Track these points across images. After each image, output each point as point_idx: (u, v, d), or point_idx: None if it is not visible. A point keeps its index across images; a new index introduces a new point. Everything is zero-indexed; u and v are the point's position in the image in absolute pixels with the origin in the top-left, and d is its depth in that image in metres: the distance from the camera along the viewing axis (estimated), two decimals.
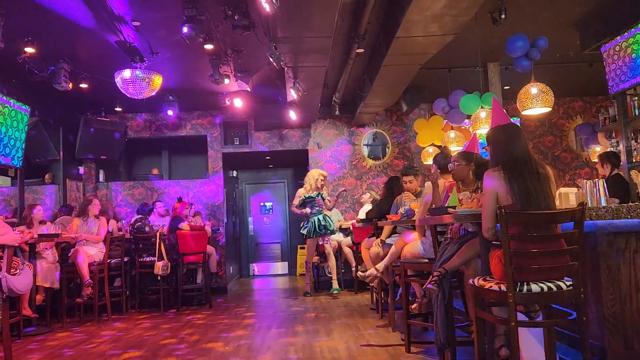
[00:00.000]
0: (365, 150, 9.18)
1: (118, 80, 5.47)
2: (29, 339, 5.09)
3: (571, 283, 2.45)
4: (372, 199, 8.07)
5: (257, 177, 11.92)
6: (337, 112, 8.23)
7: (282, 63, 5.27)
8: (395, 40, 5.07)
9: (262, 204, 11.85)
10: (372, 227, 6.05)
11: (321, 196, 7.51)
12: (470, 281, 2.72)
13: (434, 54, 5.57)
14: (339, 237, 8.25)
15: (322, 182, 7.52)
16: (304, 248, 10.59)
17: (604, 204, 3.29)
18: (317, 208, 7.47)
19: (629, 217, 2.72)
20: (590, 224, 2.88)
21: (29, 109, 6.50)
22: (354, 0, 4.98)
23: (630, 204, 2.87)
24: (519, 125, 2.82)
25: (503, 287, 2.43)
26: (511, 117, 8.25)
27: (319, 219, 7.38)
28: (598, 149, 7.38)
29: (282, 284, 9.56)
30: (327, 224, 7.42)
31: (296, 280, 10.09)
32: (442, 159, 4.39)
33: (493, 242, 2.61)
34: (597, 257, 2.95)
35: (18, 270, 3.23)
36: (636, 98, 5.72)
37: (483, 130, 6.27)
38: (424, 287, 3.38)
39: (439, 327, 3.25)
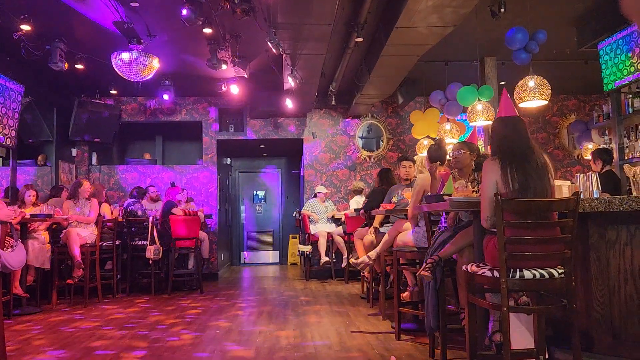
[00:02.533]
0: (359, 142, 9.19)
1: (115, 61, 5.42)
2: (19, 319, 5.08)
3: (563, 271, 2.49)
4: (358, 189, 8.16)
5: (250, 165, 11.91)
6: (333, 102, 8.23)
7: (281, 49, 5.25)
8: (395, 30, 5.07)
9: (255, 192, 11.85)
10: (364, 218, 6.09)
11: None
12: (464, 267, 2.75)
13: (432, 45, 5.58)
14: (331, 227, 8.29)
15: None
16: (295, 237, 10.67)
17: (596, 196, 3.34)
18: None
19: (621, 209, 2.76)
20: (583, 215, 2.92)
21: (23, 88, 6.44)
22: None
23: (623, 196, 2.91)
24: (521, 117, 2.84)
25: (496, 273, 2.47)
26: None
27: None
28: (590, 146, 7.45)
29: (273, 273, 9.59)
30: None
31: (287, 269, 10.13)
32: (435, 150, 4.42)
33: (490, 230, 2.64)
34: (588, 247, 3.00)
35: (12, 248, 3.22)
36: (630, 96, 5.77)
37: (479, 123, 6.31)
38: (417, 273, 3.41)
39: (430, 313, 3.30)
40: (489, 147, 2.90)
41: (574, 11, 5.86)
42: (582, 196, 3.25)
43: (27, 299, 5.47)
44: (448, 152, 4.10)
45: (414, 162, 5.29)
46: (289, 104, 7.60)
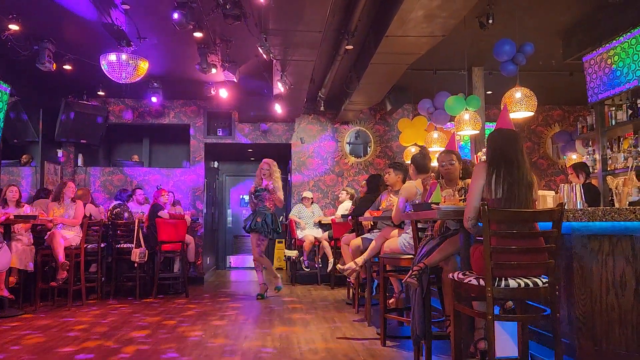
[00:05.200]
0: (347, 148, 9.23)
1: (103, 63, 5.40)
2: (2, 321, 5.00)
3: (547, 280, 2.54)
4: (349, 196, 8.15)
5: (238, 169, 11.88)
6: (322, 108, 8.27)
7: (271, 55, 5.28)
8: (385, 39, 5.13)
9: (241, 196, 11.81)
10: (351, 224, 6.11)
11: (269, 192, 6.60)
12: (450, 275, 2.79)
13: (421, 54, 5.64)
14: (318, 232, 8.30)
15: (266, 170, 6.61)
16: (281, 242, 10.65)
17: (580, 207, 3.41)
18: (264, 204, 6.62)
19: (603, 220, 2.82)
20: (567, 225, 2.98)
21: (9, 89, 6.37)
22: None
23: (606, 207, 2.98)
24: (517, 133, 2.94)
25: (482, 282, 2.51)
26: (492, 122, 8.43)
27: (256, 216, 6.56)
28: (574, 156, 7.58)
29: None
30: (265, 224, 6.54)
31: None
32: (421, 158, 4.48)
33: (476, 238, 2.69)
34: (571, 257, 3.05)
35: None
36: (614, 108, 5.89)
37: (466, 132, 6.39)
38: (403, 280, 3.44)
39: (415, 320, 3.32)
40: (475, 156, 2.98)
41: (560, 23, 5.97)
42: (565, 207, 3.31)
43: (10, 301, 5.39)
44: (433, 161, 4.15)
45: (395, 169, 5.20)
46: (278, 109, 7.62)
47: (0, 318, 5.14)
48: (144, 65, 5.50)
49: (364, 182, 7.64)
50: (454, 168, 3.61)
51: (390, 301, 4.59)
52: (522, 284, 2.48)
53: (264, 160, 6.70)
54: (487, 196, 2.67)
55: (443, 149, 7.21)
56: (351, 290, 6.23)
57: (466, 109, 6.42)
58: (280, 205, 6.87)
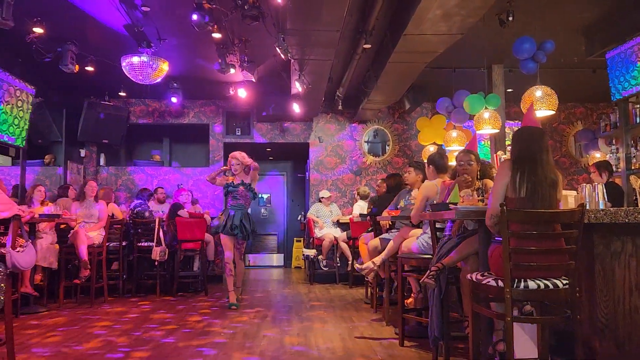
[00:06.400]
0: (365, 147, 9.22)
1: (124, 64, 5.49)
2: (26, 318, 5.13)
3: (567, 282, 2.51)
4: (364, 194, 8.15)
5: None
6: (339, 107, 8.26)
7: (289, 55, 5.30)
8: (403, 37, 5.11)
9: (260, 195, 11.89)
10: (369, 223, 6.10)
11: (247, 187, 5.86)
12: (468, 276, 2.77)
13: (440, 53, 5.61)
14: (336, 231, 8.31)
15: (236, 165, 5.82)
16: (300, 241, 10.69)
17: (602, 207, 3.35)
18: (239, 202, 5.84)
19: (626, 220, 2.77)
20: (588, 225, 2.93)
21: (34, 90, 6.52)
22: None
23: (629, 207, 2.92)
24: (544, 131, 2.91)
25: (500, 283, 2.49)
26: (513, 120, 8.33)
27: (234, 216, 5.74)
28: (598, 155, 7.44)
29: (277, 276, 9.61)
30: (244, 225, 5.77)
31: (291, 273, 10.15)
32: (439, 158, 4.45)
33: (495, 238, 2.67)
34: (593, 258, 3.00)
35: (22, 248, 3.27)
36: (638, 106, 5.77)
37: (485, 131, 6.32)
38: (421, 280, 3.43)
39: (434, 320, 3.31)
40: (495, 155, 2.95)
41: (582, 20, 5.87)
42: (587, 207, 3.26)
43: (35, 298, 5.52)
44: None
45: (415, 167, 5.18)
46: (296, 108, 7.65)
47: (26, 314, 5.26)
48: (164, 66, 5.57)
49: (381, 180, 7.63)
50: (472, 168, 3.59)
51: (409, 301, 4.57)
52: (542, 286, 2.45)
53: (231, 154, 5.90)
54: (511, 195, 2.64)
55: (461, 148, 7.18)
56: (369, 290, 6.23)
57: (486, 108, 6.36)
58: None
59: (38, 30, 5.36)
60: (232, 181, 5.82)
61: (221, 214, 5.90)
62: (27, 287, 5.36)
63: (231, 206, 5.81)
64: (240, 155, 5.85)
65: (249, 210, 6.01)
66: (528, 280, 2.47)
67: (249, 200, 5.91)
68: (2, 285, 2.94)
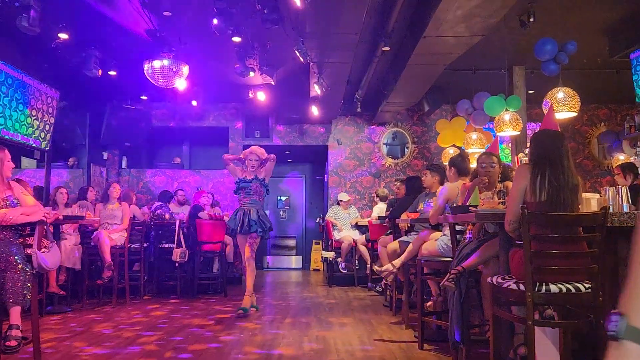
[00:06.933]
0: (384, 149, 9.20)
1: (146, 68, 5.58)
2: (51, 317, 5.24)
3: (590, 286, 2.47)
4: (383, 196, 8.13)
5: (275, 170, 11.83)
6: (358, 109, 8.27)
7: (308, 58, 5.32)
8: (422, 40, 5.10)
9: (279, 197, 11.94)
10: (388, 225, 6.09)
11: (261, 182, 5.59)
12: (489, 279, 2.75)
13: (460, 54, 5.58)
14: (354, 233, 8.31)
15: (254, 161, 5.52)
16: (318, 243, 10.70)
17: (626, 210, 3.29)
18: (253, 198, 5.57)
19: None
20: (612, 229, 2.88)
21: (59, 94, 6.67)
22: None
23: None
24: (563, 134, 2.87)
25: (522, 286, 2.46)
26: (535, 121, 8.23)
27: (249, 212, 5.45)
28: (622, 157, 7.31)
29: (296, 278, 9.64)
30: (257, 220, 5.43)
31: (309, 275, 10.17)
32: (461, 161, 4.42)
33: (516, 242, 2.65)
34: (617, 262, 2.95)
35: (47, 249, 3.35)
36: None
37: (506, 133, 6.26)
38: (441, 284, 3.41)
39: (453, 324, 3.29)
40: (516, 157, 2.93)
41: (606, 20, 5.78)
42: (611, 210, 3.20)
43: (59, 298, 5.64)
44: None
45: (431, 170, 5.15)
46: (315, 111, 7.67)
47: (50, 314, 5.38)
48: (184, 70, 5.65)
49: (399, 182, 7.60)
50: (495, 171, 3.57)
51: (428, 304, 4.54)
52: (564, 289, 2.42)
53: (251, 149, 5.59)
54: (531, 199, 2.60)
55: (482, 150, 7.11)
56: (388, 293, 6.20)
57: (506, 110, 6.30)
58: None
59: (63, 35, 5.49)
60: (245, 176, 5.50)
61: (234, 215, 5.55)
62: (53, 287, 5.49)
63: (244, 203, 5.50)
64: (259, 151, 5.56)
65: (262, 205, 5.70)
66: (550, 283, 2.44)
67: (262, 197, 5.63)
68: (29, 285, 3.02)
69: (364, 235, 8.12)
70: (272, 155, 5.58)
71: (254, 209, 5.47)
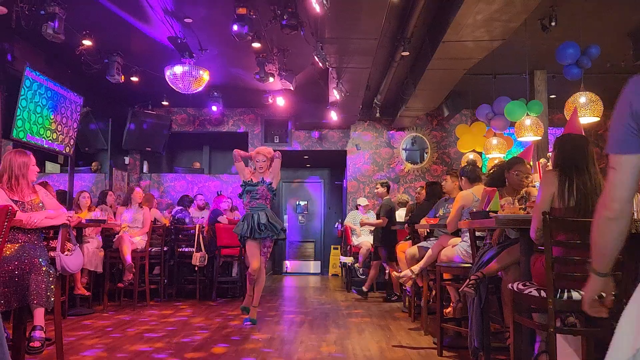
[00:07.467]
0: (403, 154, 9.16)
1: (168, 74, 5.66)
2: (73, 319, 5.32)
3: (613, 293, 2.42)
4: (403, 202, 8.07)
5: (294, 175, 12.05)
6: (377, 115, 8.26)
7: (327, 63, 5.34)
8: (441, 44, 5.08)
9: (297, 202, 11.97)
10: (407, 231, 6.06)
11: (268, 186, 5.25)
12: (510, 286, 2.72)
13: (479, 59, 5.54)
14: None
15: (262, 162, 5.21)
16: (337, 248, 10.68)
17: None
18: (259, 201, 5.24)
19: None
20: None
21: (82, 100, 6.80)
22: (402, 3, 5.01)
23: None
24: (588, 139, 2.83)
25: (543, 293, 2.42)
26: (556, 126, 8.12)
27: (258, 216, 5.14)
28: None
29: (314, 283, 9.64)
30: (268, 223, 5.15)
31: (328, 280, 10.16)
32: (471, 171, 4.43)
33: (537, 248, 2.61)
34: None
35: (70, 252, 3.41)
36: None
37: (527, 138, 6.19)
38: (460, 290, 3.38)
39: (473, 331, 3.25)
40: (537, 163, 2.90)
41: (630, 23, 5.69)
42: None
43: (81, 299, 5.74)
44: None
45: (451, 175, 5.17)
46: (334, 116, 7.69)
47: (73, 316, 5.47)
48: (205, 76, 5.72)
49: (420, 188, 7.56)
50: (519, 179, 3.55)
51: (447, 310, 4.50)
52: None
53: (258, 149, 5.37)
54: (558, 205, 2.56)
55: (502, 155, 7.04)
56: (407, 298, 6.16)
57: (527, 114, 6.23)
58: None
59: (87, 42, 5.60)
60: (251, 179, 5.23)
61: (242, 221, 5.25)
62: (79, 289, 5.63)
63: (251, 208, 5.21)
64: (266, 151, 5.27)
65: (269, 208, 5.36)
66: (572, 290, 2.40)
67: (269, 201, 5.31)
68: (52, 287, 3.07)
69: None
70: (277, 153, 5.31)
71: (263, 213, 5.18)
